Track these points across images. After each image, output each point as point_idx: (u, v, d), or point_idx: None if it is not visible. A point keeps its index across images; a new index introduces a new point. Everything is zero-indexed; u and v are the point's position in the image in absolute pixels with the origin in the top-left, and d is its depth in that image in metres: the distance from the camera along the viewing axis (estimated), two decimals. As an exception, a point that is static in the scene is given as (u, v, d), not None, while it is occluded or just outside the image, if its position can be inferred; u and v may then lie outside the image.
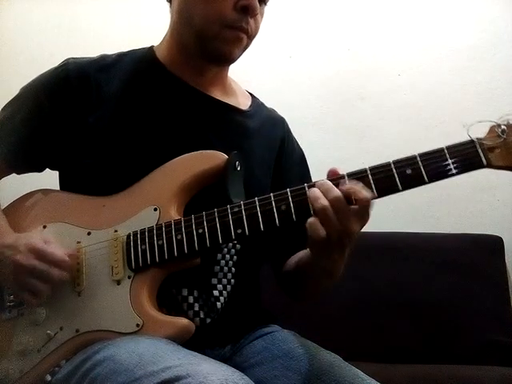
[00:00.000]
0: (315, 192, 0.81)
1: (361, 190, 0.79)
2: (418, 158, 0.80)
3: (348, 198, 0.79)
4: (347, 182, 0.81)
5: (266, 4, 1.02)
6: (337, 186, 0.81)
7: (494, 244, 1.84)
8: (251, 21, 0.97)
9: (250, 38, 1.01)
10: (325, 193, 0.80)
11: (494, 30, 2.07)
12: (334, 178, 0.82)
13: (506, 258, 1.83)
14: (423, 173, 0.79)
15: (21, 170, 1.10)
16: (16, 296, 0.93)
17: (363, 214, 0.80)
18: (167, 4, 1.06)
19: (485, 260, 1.81)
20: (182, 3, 1.00)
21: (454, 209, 1.97)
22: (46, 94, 1.01)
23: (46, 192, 1.03)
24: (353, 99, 2.13)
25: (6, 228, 0.97)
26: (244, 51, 1.03)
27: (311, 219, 0.80)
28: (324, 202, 0.79)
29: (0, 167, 1.05)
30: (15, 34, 2.37)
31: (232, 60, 1.03)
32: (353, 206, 0.78)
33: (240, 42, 0.98)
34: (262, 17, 1.03)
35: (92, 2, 2.34)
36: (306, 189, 0.83)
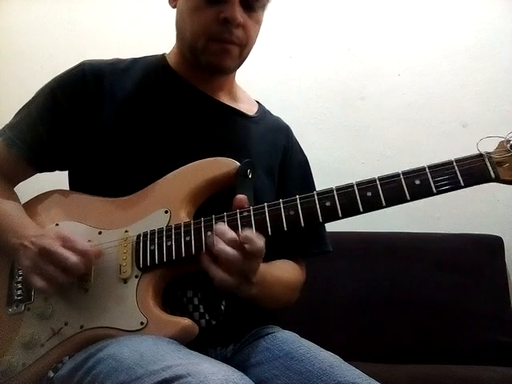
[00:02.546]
0: (210, 238, 0.84)
1: (253, 240, 0.81)
2: (427, 170, 0.82)
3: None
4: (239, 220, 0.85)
5: (256, 11, 1.01)
6: (235, 223, 0.85)
7: (494, 244, 1.84)
8: (237, 31, 0.98)
9: (242, 46, 1.01)
10: (220, 236, 0.83)
11: (494, 30, 2.07)
12: (240, 209, 0.86)
13: (506, 257, 1.83)
14: (431, 184, 0.81)
15: (37, 168, 1.09)
16: (28, 279, 0.92)
17: (258, 256, 0.83)
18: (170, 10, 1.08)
19: (485, 260, 1.81)
20: (177, 18, 1.05)
21: (453, 209, 1.97)
22: (63, 93, 1.04)
23: (60, 192, 1.05)
24: (353, 99, 2.13)
25: (32, 223, 0.98)
26: (241, 60, 1.05)
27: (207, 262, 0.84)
28: (221, 245, 0.82)
29: (20, 166, 1.06)
30: (15, 33, 2.37)
31: (227, 70, 1.05)
32: (247, 248, 0.81)
33: (228, 53, 1.00)
34: (257, 23, 1.03)
35: (92, 2, 2.33)
36: (315, 196, 0.85)
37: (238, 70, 1.11)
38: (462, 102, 2.05)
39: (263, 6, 1.03)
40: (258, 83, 2.03)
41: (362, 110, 2.12)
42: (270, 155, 1.11)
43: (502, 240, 1.84)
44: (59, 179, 1.12)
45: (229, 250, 0.81)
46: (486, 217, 1.96)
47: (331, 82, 2.15)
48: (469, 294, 1.74)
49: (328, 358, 0.88)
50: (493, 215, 1.96)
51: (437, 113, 2.06)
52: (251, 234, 0.82)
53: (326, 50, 2.18)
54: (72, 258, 0.87)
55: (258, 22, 1.04)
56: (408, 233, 1.90)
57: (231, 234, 0.82)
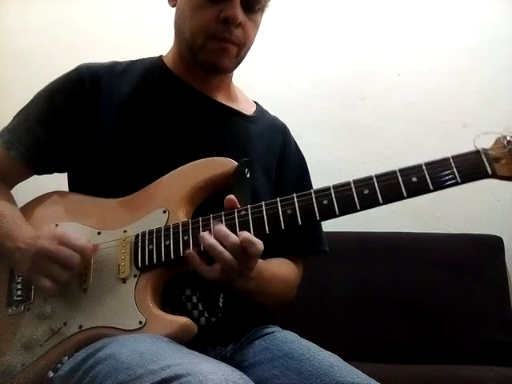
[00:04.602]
0: (210, 240, 0.84)
1: (254, 243, 0.82)
2: (424, 167, 0.82)
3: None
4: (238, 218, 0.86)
5: (256, 12, 1.02)
6: (232, 222, 0.86)
7: (494, 244, 1.84)
8: (237, 30, 0.99)
9: (241, 46, 1.02)
10: (222, 240, 0.83)
11: (493, 30, 2.07)
12: (228, 211, 0.87)
13: (505, 258, 1.83)
14: (428, 181, 0.81)
15: (35, 170, 1.10)
16: (32, 281, 0.93)
17: (257, 257, 0.84)
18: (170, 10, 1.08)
19: (485, 260, 1.81)
20: (176, 17, 1.06)
21: (453, 209, 1.97)
22: (61, 96, 1.05)
23: (59, 193, 1.06)
24: (353, 99, 2.13)
25: (26, 225, 0.99)
26: (238, 60, 1.05)
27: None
28: (219, 248, 0.83)
29: (18, 168, 1.06)
30: (15, 33, 2.37)
31: (224, 70, 1.05)
32: (249, 251, 0.82)
33: (226, 52, 1.01)
34: (255, 24, 1.04)
35: (92, 2, 2.34)
36: (313, 194, 0.85)
37: (237, 70, 1.12)
38: (461, 101, 2.05)
39: (262, 9, 1.04)
40: (258, 83, 2.03)
41: (362, 109, 2.12)
42: (268, 155, 1.12)
43: (501, 240, 1.84)
44: (59, 181, 1.12)
45: (228, 256, 0.82)
46: (486, 217, 1.96)
47: (331, 82, 2.15)
48: (469, 294, 1.74)
49: (327, 358, 0.88)
50: (493, 215, 1.96)
51: (437, 113, 2.05)
52: (250, 236, 0.82)
53: (326, 50, 2.18)
54: (72, 254, 0.88)
55: (257, 24, 1.05)
56: (408, 233, 1.89)
57: (233, 238, 0.82)
